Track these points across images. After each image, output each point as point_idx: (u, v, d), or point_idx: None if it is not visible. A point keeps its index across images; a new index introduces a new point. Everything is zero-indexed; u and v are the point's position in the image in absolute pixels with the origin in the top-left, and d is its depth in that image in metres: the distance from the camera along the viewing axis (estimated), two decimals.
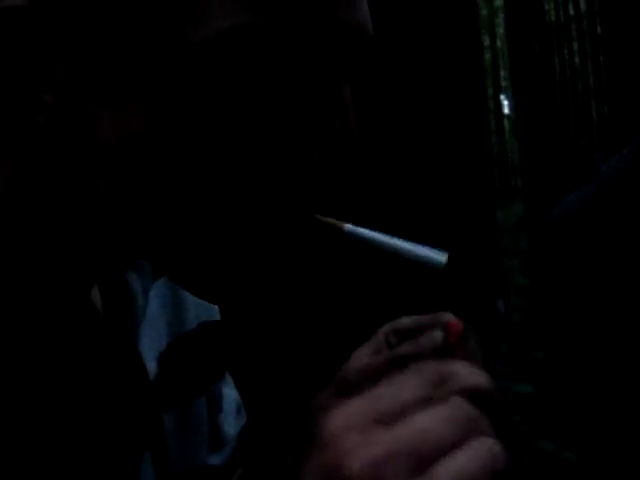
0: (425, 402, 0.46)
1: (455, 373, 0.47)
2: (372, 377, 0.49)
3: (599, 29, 11.99)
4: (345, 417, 0.45)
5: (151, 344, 0.66)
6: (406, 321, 0.62)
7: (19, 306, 0.52)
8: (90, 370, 0.57)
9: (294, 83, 0.49)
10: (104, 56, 0.47)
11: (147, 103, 0.48)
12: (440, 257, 0.54)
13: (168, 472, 0.65)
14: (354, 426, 0.45)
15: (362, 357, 0.64)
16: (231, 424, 0.77)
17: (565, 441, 1.36)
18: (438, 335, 0.56)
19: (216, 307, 0.75)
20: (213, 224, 0.50)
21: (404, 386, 0.47)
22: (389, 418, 0.45)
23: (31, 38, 0.47)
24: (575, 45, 14.18)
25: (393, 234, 0.55)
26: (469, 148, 4.44)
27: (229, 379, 0.79)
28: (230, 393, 0.79)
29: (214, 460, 0.74)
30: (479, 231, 4.53)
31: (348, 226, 0.54)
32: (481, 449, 0.44)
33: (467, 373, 0.48)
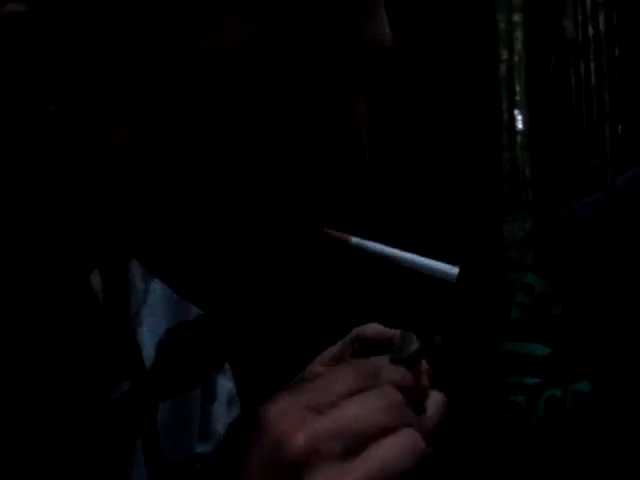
0: (356, 392, 0.50)
1: (385, 368, 0.52)
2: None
3: (617, 50, 11.96)
4: (281, 406, 0.49)
5: (151, 329, 0.68)
6: (372, 331, 0.67)
7: (15, 289, 0.54)
8: (85, 356, 0.58)
9: (307, 95, 0.49)
10: (105, 66, 0.48)
11: (150, 114, 0.48)
12: (452, 271, 0.55)
13: (159, 461, 0.67)
14: (290, 413, 0.48)
15: (325, 360, 0.69)
16: (221, 414, 0.79)
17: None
18: (384, 358, 0.60)
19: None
20: (216, 232, 0.51)
21: (337, 379, 0.51)
22: (323, 406, 0.49)
23: (31, 45, 0.48)
24: (592, 64, 14.12)
25: (399, 245, 0.56)
26: (481, 160, 4.44)
27: (227, 369, 0.81)
28: (225, 384, 0.80)
29: (201, 448, 0.77)
30: (485, 244, 4.53)
31: (355, 239, 0.55)
32: (406, 438, 0.49)
33: (395, 368, 0.53)
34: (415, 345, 0.58)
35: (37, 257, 0.55)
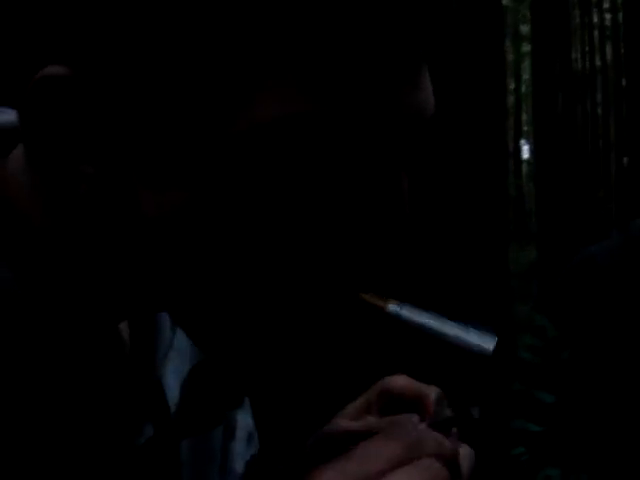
0: (398, 464, 0.49)
1: (428, 438, 0.51)
2: (352, 440, 0.52)
3: (624, 81, 12.02)
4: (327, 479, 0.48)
5: (176, 370, 0.66)
6: (398, 385, 0.66)
7: (43, 336, 0.53)
8: (111, 404, 0.57)
9: (348, 169, 0.48)
10: (146, 135, 0.47)
11: (190, 184, 0.47)
12: (488, 345, 0.53)
13: None
14: None
15: (351, 413, 0.68)
16: (240, 452, 0.78)
17: (573, 468, 1.38)
18: (415, 419, 0.61)
19: None
20: (248, 299, 0.50)
21: (381, 450, 0.50)
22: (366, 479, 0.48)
23: (72, 108, 0.47)
24: (599, 96, 14.19)
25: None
26: (486, 189, 4.45)
27: (246, 405, 0.80)
28: (244, 419, 0.79)
29: None
30: (490, 274, 4.52)
31: (392, 306, 0.53)
32: None
33: (437, 438, 0.51)
34: (447, 409, 0.59)
35: (67, 305, 0.54)
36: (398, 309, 0.53)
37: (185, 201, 0.47)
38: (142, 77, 0.46)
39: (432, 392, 0.64)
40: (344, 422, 0.66)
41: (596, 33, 14.57)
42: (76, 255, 0.53)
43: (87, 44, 0.46)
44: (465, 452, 0.60)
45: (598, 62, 14.45)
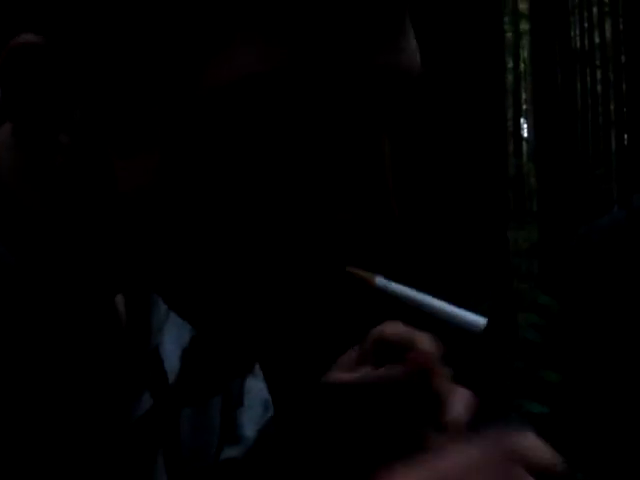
0: (479, 470, 0.44)
1: (524, 449, 0.46)
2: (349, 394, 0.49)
3: (623, 58, 11.98)
4: None
5: (175, 341, 0.66)
6: (391, 333, 0.64)
7: (37, 310, 0.53)
8: (108, 376, 0.57)
9: (325, 132, 0.46)
10: (118, 100, 0.47)
11: (159, 148, 0.46)
12: (479, 321, 0.52)
13: (181, 471, 0.65)
14: None
15: (345, 365, 0.66)
16: (253, 419, 0.77)
17: (578, 462, 1.37)
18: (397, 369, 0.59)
19: None
20: (232, 272, 0.49)
21: (472, 464, 0.45)
22: None
23: (45, 76, 0.47)
24: (598, 73, 14.15)
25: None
26: (486, 169, 4.43)
27: (258, 372, 0.79)
28: (257, 386, 0.79)
29: (230, 452, 0.74)
30: (490, 253, 4.52)
31: (380, 280, 0.52)
32: None
33: (536, 449, 0.46)
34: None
35: (60, 279, 0.54)
36: (386, 282, 0.52)
37: (155, 165, 0.46)
38: (107, 41, 0.46)
39: (424, 338, 0.62)
40: (339, 374, 0.64)
41: (595, 10, 14.52)
42: (62, 229, 0.53)
43: (56, 12, 0.47)
44: (462, 393, 0.59)
45: (597, 39, 14.40)
